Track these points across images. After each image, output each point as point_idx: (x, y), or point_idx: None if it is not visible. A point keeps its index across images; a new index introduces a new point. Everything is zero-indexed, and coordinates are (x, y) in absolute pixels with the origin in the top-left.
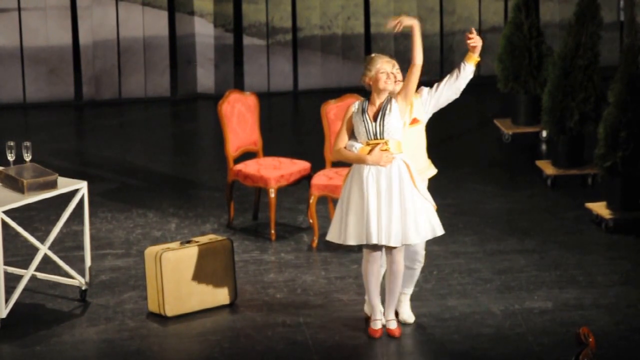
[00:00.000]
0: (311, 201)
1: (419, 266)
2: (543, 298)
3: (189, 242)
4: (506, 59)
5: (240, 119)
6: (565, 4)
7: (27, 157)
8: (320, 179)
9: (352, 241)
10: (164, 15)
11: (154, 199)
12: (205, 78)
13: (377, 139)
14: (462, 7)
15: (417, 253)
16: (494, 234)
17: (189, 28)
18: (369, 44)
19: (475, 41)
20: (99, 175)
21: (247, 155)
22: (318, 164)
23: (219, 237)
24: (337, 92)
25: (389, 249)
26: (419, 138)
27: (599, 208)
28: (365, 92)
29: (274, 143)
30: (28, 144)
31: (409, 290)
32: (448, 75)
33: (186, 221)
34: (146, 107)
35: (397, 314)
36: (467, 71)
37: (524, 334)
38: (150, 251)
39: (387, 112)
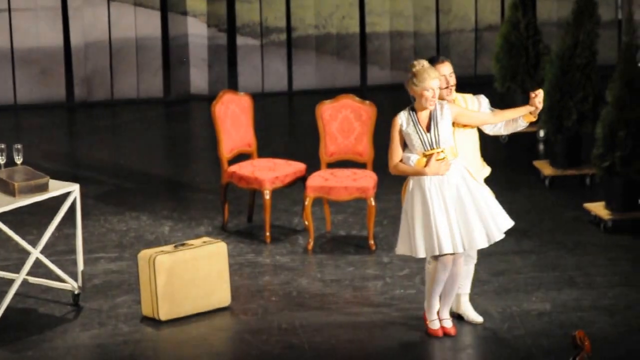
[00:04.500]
0: (306, 203)
1: (472, 263)
2: (541, 300)
3: (182, 245)
4: (503, 57)
5: (234, 119)
6: (563, 2)
7: (18, 159)
8: (316, 180)
9: (422, 254)
10: (156, 15)
11: (147, 202)
12: (198, 79)
13: (433, 148)
14: (458, 5)
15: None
16: None
17: (181, 28)
18: (364, 43)
19: (537, 104)
20: (91, 177)
21: (242, 157)
22: (313, 165)
23: (213, 240)
24: (332, 92)
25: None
26: (472, 140)
27: (598, 208)
28: (359, 93)
29: (269, 144)
30: (19, 146)
31: (468, 290)
32: (502, 117)
33: (180, 224)
34: (139, 108)
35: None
36: (518, 125)
37: (522, 336)
38: (144, 254)
39: (440, 119)
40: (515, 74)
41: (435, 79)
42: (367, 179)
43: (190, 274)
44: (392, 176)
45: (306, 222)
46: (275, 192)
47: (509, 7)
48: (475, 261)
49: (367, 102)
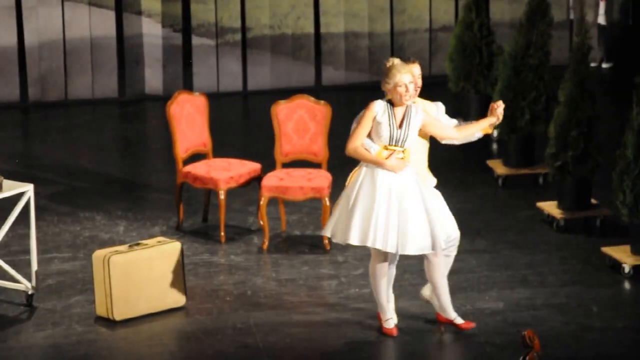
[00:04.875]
0: (261, 203)
1: (453, 252)
2: (494, 298)
3: (137, 245)
4: (457, 58)
5: (189, 120)
6: (515, 3)
7: None
8: (271, 180)
9: (355, 241)
10: (111, 15)
11: (102, 202)
12: (153, 79)
13: (397, 145)
14: (412, 6)
15: (453, 239)
16: None
17: (136, 28)
18: (319, 43)
19: (499, 115)
20: (46, 178)
21: (197, 157)
22: (268, 165)
23: (168, 240)
24: (287, 93)
25: (426, 255)
26: (423, 149)
27: (550, 207)
28: (314, 93)
29: (224, 144)
30: None
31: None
32: (456, 126)
33: (134, 224)
34: (93, 108)
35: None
36: (474, 138)
37: (476, 335)
38: (98, 254)
39: (413, 120)
40: (468, 75)
41: (406, 73)
42: (322, 179)
43: (145, 273)
44: (347, 176)
45: (261, 222)
46: (230, 192)
47: (462, 8)
48: (456, 250)
49: (322, 102)
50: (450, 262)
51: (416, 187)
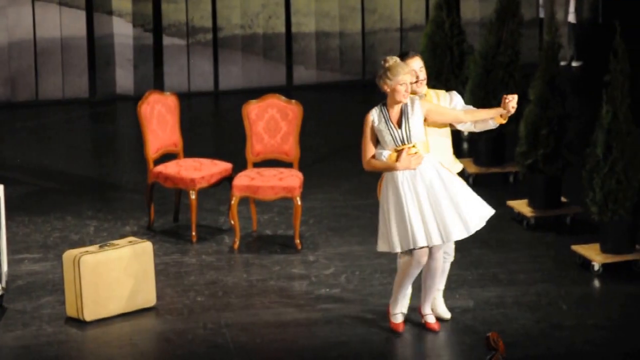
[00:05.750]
0: (233, 202)
1: (449, 260)
2: (465, 297)
3: (108, 245)
4: (428, 57)
5: (160, 120)
6: (486, 2)
7: None
8: (242, 179)
9: (399, 248)
10: (81, 15)
11: (72, 202)
12: (124, 79)
13: (404, 144)
14: (383, 5)
15: (447, 247)
16: None
17: (107, 28)
18: (290, 43)
19: (511, 108)
20: (16, 178)
21: (168, 157)
22: (239, 164)
23: (139, 240)
24: (258, 92)
25: (431, 247)
26: (444, 135)
27: (521, 206)
28: (285, 92)
29: (195, 144)
30: None
31: (442, 286)
32: (473, 116)
33: (105, 224)
34: (64, 108)
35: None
36: (489, 125)
37: (446, 333)
38: (69, 255)
39: (410, 115)
40: (440, 73)
41: (407, 73)
42: (293, 179)
43: (116, 274)
44: (318, 176)
45: (232, 222)
46: (201, 192)
47: (433, 7)
48: (452, 259)
49: (293, 101)
50: (446, 270)
51: (437, 176)
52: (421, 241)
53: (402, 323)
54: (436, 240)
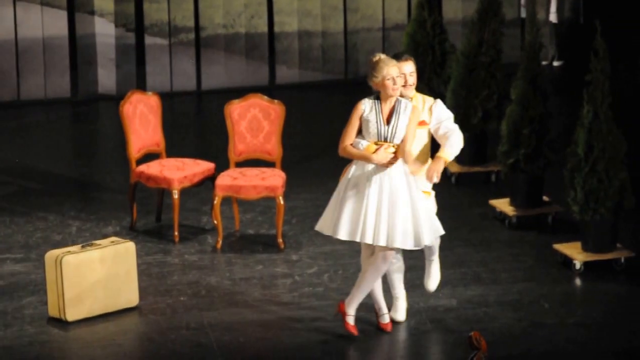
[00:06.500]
0: (215, 202)
1: (397, 265)
2: (447, 296)
3: (90, 245)
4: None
5: (142, 119)
6: (468, 2)
7: None
8: (225, 179)
9: (343, 236)
10: (63, 15)
11: (55, 202)
12: (106, 79)
13: (386, 141)
14: (365, 4)
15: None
16: None
17: (89, 28)
18: (273, 42)
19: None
20: None
21: (150, 157)
22: (222, 164)
23: (121, 240)
24: (240, 92)
25: (378, 247)
26: (424, 140)
27: (503, 205)
28: (267, 92)
29: (177, 144)
30: None
31: (398, 293)
32: (450, 134)
33: (87, 224)
34: (46, 108)
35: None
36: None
37: (429, 332)
38: (51, 255)
39: (402, 115)
40: (421, 73)
41: (393, 67)
42: (275, 178)
43: (98, 274)
44: (301, 175)
45: (215, 221)
46: (183, 192)
47: (415, 6)
48: (400, 264)
49: (276, 101)
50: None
51: (405, 183)
52: (368, 237)
53: (391, 323)
54: (382, 241)
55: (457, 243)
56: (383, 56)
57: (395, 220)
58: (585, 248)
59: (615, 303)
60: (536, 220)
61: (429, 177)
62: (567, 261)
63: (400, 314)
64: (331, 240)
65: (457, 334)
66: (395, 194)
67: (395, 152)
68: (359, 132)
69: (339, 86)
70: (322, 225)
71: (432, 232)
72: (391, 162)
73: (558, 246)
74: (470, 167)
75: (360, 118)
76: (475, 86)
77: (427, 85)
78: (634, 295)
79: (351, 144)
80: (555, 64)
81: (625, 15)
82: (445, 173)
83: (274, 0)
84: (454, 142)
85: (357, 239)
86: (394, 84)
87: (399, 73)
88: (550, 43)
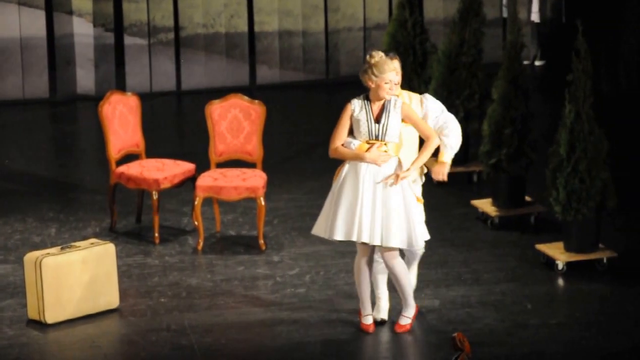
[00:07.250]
0: (196, 203)
1: (378, 267)
2: (430, 296)
3: (70, 247)
4: None
5: (121, 120)
6: (449, 1)
7: None
8: (205, 180)
9: (339, 236)
10: (41, 14)
11: (33, 204)
12: (85, 79)
13: (377, 140)
14: (346, 4)
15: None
16: None
17: (67, 28)
18: (253, 42)
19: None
20: None
21: (130, 157)
22: (203, 165)
23: (101, 242)
24: (221, 92)
25: (383, 253)
26: (413, 137)
27: (485, 205)
28: (248, 92)
29: (157, 144)
30: None
31: (380, 293)
32: (443, 132)
33: (67, 225)
34: (24, 109)
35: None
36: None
37: (412, 333)
38: (30, 257)
39: (392, 113)
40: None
41: (393, 70)
42: (256, 179)
43: (78, 276)
44: (282, 176)
45: (196, 222)
46: (164, 193)
47: (396, 6)
48: (381, 266)
49: (257, 101)
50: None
51: (398, 183)
52: (365, 236)
53: (373, 324)
54: (377, 240)
55: (439, 243)
56: (384, 57)
57: (389, 220)
58: (568, 248)
59: (598, 303)
60: (519, 221)
61: (436, 179)
62: (550, 261)
63: (383, 314)
64: (313, 241)
65: (440, 334)
66: (388, 193)
67: (387, 150)
68: (350, 133)
69: (320, 86)
70: (318, 229)
71: (423, 234)
72: (384, 161)
73: (540, 246)
74: (452, 167)
75: (351, 118)
76: (457, 86)
77: (408, 85)
78: (617, 296)
79: (342, 145)
80: (537, 63)
81: (607, 15)
82: (427, 174)
83: (254, 0)
84: (453, 143)
85: (354, 239)
86: (390, 87)
87: (396, 79)
88: (531, 43)
